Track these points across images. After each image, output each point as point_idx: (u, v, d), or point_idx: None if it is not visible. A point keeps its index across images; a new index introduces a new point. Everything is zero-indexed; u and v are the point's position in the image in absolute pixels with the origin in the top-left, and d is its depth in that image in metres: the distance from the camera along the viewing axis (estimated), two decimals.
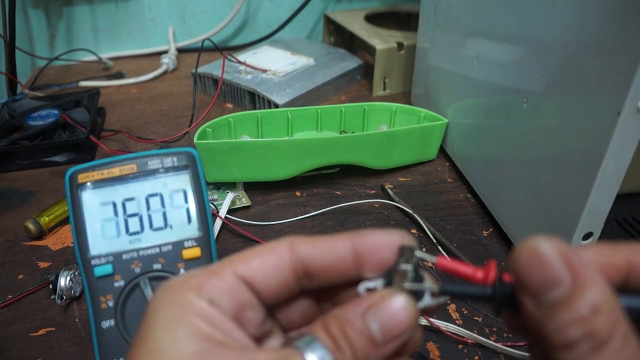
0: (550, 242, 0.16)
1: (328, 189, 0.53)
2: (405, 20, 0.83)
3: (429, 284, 0.18)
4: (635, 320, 0.16)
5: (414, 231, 0.47)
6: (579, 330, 0.15)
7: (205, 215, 0.31)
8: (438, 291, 0.18)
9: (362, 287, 0.19)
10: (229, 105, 0.70)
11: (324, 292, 0.21)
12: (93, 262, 0.30)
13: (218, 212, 0.46)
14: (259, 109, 0.65)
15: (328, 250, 0.18)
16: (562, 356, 0.15)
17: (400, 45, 0.69)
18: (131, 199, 0.31)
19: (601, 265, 0.17)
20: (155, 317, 0.17)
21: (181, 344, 0.16)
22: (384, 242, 0.19)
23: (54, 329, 0.37)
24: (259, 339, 0.19)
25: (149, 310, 0.17)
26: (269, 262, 0.18)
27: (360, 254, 0.19)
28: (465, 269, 0.18)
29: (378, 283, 0.19)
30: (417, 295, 0.18)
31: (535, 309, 0.16)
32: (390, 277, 0.19)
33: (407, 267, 0.18)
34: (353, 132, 0.58)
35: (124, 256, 0.30)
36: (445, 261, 0.19)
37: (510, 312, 0.18)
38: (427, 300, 0.18)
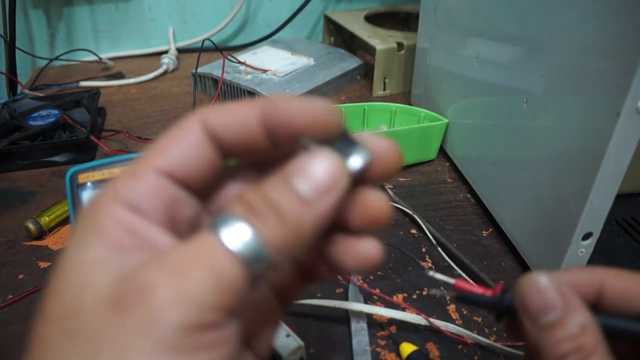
0: (547, 275, 0.19)
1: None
2: (405, 20, 0.83)
3: (361, 148, 0.17)
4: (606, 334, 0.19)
5: (413, 231, 0.47)
6: (570, 345, 0.18)
7: None
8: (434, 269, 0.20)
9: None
10: None
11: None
12: None
13: None
14: None
15: (238, 121, 0.16)
16: None
17: (400, 45, 0.69)
18: None
19: (580, 284, 0.20)
20: (73, 233, 0.15)
21: (84, 255, 0.15)
22: (296, 112, 0.16)
23: None
24: None
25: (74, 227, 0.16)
26: (187, 146, 0.16)
27: (270, 124, 0.16)
28: (477, 289, 0.22)
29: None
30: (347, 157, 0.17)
31: (534, 328, 0.19)
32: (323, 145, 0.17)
33: (337, 136, 0.17)
34: (353, 132, 0.58)
35: None
36: (463, 283, 0.22)
37: (510, 320, 0.21)
38: (356, 161, 0.17)
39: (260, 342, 0.20)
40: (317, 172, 0.15)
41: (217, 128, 0.16)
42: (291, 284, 0.20)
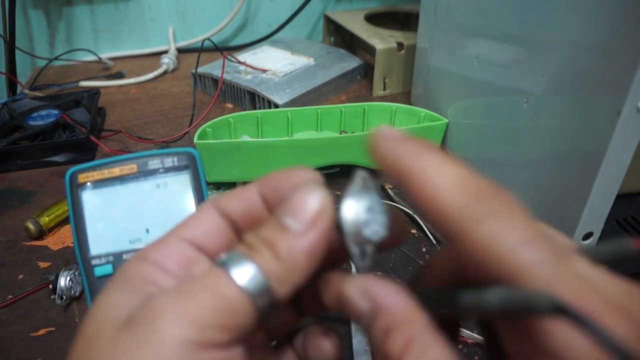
0: (354, 280, 0.17)
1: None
2: (405, 20, 0.83)
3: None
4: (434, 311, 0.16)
5: (413, 231, 0.47)
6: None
7: None
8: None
9: None
10: (229, 105, 0.70)
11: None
12: (93, 262, 0.30)
13: None
14: (259, 109, 0.65)
15: (242, 199, 0.19)
16: None
17: (400, 45, 0.69)
18: (131, 199, 0.31)
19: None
20: (106, 285, 0.18)
21: (111, 298, 0.17)
22: (284, 182, 0.19)
23: (54, 328, 0.37)
24: None
25: None
26: (205, 221, 0.19)
27: (266, 196, 0.19)
28: None
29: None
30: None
31: (366, 332, 0.17)
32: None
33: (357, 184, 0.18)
34: (353, 132, 0.58)
35: (124, 256, 0.30)
36: None
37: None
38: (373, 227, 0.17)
39: None
40: (302, 206, 0.17)
41: (227, 209, 0.19)
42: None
